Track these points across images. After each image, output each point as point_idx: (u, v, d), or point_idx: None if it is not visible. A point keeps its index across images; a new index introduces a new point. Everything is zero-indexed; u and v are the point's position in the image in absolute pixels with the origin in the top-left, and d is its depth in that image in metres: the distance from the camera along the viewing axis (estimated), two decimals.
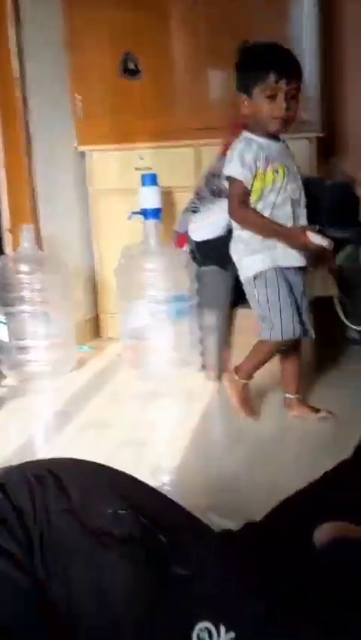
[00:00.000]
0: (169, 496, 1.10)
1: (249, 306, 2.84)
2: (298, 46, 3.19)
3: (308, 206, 2.60)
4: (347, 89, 3.61)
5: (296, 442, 2.25)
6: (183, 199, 3.13)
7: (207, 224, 2.75)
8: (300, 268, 2.29)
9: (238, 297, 2.83)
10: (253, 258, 2.26)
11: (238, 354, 2.81)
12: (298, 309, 2.28)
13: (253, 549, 1.23)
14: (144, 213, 2.94)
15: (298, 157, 3.17)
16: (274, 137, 2.22)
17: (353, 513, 1.31)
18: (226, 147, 3.03)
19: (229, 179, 2.21)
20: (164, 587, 0.87)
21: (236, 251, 2.33)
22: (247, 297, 2.36)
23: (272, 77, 2.10)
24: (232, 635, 0.85)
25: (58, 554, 0.88)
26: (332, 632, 0.95)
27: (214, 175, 3.00)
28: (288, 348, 2.37)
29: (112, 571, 0.86)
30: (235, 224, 2.30)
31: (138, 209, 2.96)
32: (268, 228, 2.21)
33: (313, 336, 2.35)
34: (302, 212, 2.27)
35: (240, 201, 2.20)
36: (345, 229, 2.66)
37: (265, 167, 2.17)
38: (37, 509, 0.93)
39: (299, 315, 2.28)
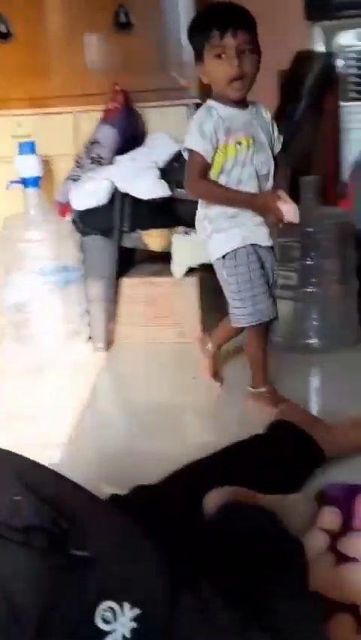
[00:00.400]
0: (61, 471, 1.10)
1: (134, 275, 2.86)
2: (175, 13, 3.19)
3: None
4: None
5: (192, 413, 2.28)
6: (62, 167, 3.08)
7: (89, 192, 2.72)
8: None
9: (122, 266, 2.84)
10: (221, 236, 2.06)
11: (124, 324, 2.82)
12: (269, 288, 2.11)
13: (148, 515, 1.25)
14: (24, 182, 2.87)
15: (177, 125, 3.19)
16: (240, 104, 1.98)
17: (249, 483, 1.36)
18: (107, 114, 3.01)
19: (188, 151, 2.00)
20: (65, 571, 0.87)
21: (203, 230, 2.12)
22: (218, 278, 2.17)
23: (215, 33, 1.87)
24: (137, 611, 0.86)
25: None
26: (230, 597, 0.98)
27: (94, 142, 2.97)
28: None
29: (12, 561, 0.85)
30: (200, 202, 2.10)
31: (17, 178, 2.89)
32: (230, 197, 2.00)
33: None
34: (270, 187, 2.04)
35: (197, 175, 1.99)
36: None
37: (226, 138, 1.95)
38: None
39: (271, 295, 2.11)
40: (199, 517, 1.33)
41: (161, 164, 2.71)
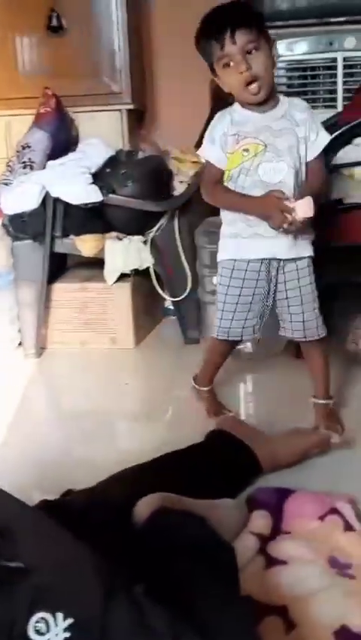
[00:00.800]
0: None
1: (67, 281, 2.85)
2: (108, 18, 3.19)
3: (120, 179, 2.63)
4: (158, 61, 3.65)
5: (125, 420, 2.27)
6: None
7: (20, 197, 2.69)
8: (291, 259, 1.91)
9: (54, 271, 2.82)
10: (221, 243, 1.98)
11: (55, 330, 2.80)
12: (261, 309, 1.96)
13: (80, 521, 1.24)
14: None
15: (109, 129, 3.20)
16: (264, 105, 1.84)
17: (184, 490, 1.36)
18: (39, 118, 2.98)
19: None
20: None
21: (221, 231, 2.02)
22: None
23: (215, 45, 1.77)
24: (70, 620, 0.86)
25: None
26: (164, 602, 0.98)
27: (25, 147, 2.93)
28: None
29: None
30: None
31: None
32: (234, 202, 1.89)
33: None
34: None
35: (208, 181, 1.92)
36: (158, 202, 2.71)
37: (233, 145, 1.85)
38: None
39: (260, 317, 1.97)
40: (132, 523, 1.33)
41: (94, 169, 2.70)
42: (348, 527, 1.44)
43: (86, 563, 0.99)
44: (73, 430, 2.15)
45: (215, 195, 1.94)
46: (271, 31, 1.81)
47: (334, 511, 1.49)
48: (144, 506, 1.31)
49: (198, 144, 3.01)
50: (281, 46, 3.14)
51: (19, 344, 2.81)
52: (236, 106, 1.88)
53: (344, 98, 2.98)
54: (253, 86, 1.77)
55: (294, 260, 1.90)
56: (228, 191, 1.89)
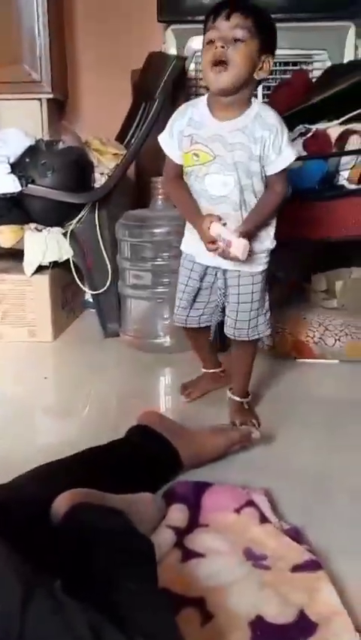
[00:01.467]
0: None
1: None
2: (28, 4, 3.14)
3: (39, 169, 2.59)
4: (80, 51, 3.61)
5: (43, 414, 2.25)
6: None
7: None
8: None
9: None
10: (184, 233, 2.00)
11: None
12: (213, 300, 2.00)
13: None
14: None
15: (29, 118, 3.14)
16: (228, 112, 1.76)
17: (103, 486, 1.36)
18: None
19: None
20: None
21: None
22: None
23: (210, 18, 1.69)
24: None
25: None
26: (83, 597, 0.98)
27: None
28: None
29: None
30: None
31: None
32: (181, 208, 1.91)
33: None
34: (227, 214, 1.81)
35: (167, 173, 1.90)
36: (79, 194, 2.69)
37: (187, 145, 1.80)
38: None
39: (215, 307, 2.00)
40: (50, 519, 1.32)
41: (12, 159, 2.65)
42: (264, 519, 1.47)
43: (4, 561, 0.98)
44: None
45: (169, 190, 1.95)
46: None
47: (250, 503, 1.52)
48: (63, 502, 1.30)
49: (120, 136, 3.02)
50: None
51: None
52: (202, 100, 1.81)
53: (264, 96, 3.02)
54: (219, 67, 1.66)
55: (238, 271, 1.91)
56: (179, 193, 1.88)
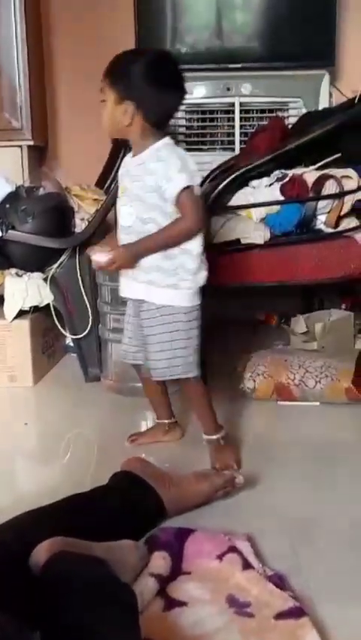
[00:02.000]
0: None
1: None
2: (9, 55, 3.19)
3: (19, 215, 2.61)
4: (60, 97, 3.67)
5: (23, 460, 2.23)
6: None
7: None
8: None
9: None
10: None
11: None
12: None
13: None
14: None
15: (10, 165, 3.17)
16: (136, 148, 1.95)
17: (86, 533, 1.34)
18: None
19: None
20: None
21: None
22: None
23: None
24: None
25: None
26: None
27: None
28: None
29: None
30: None
31: None
32: None
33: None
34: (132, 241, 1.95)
35: None
36: (59, 239, 2.70)
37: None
38: None
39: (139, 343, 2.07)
40: (29, 569, 1.30)
41: None
42: (247, 565, 1.46)
43: None
44: None
45: None
46: None
47: (233, 549, 1.50)
48: (42, 551, 1.28)
49: (100, 181, 3.05)
50: None
51: None
52: None
53: (241, 142, 3.08)
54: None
55: (155, 303, 1.95)
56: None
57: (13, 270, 2.74)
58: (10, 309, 2.70)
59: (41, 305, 2.75)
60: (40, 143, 3.47)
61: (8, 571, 1.30)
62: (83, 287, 2.75)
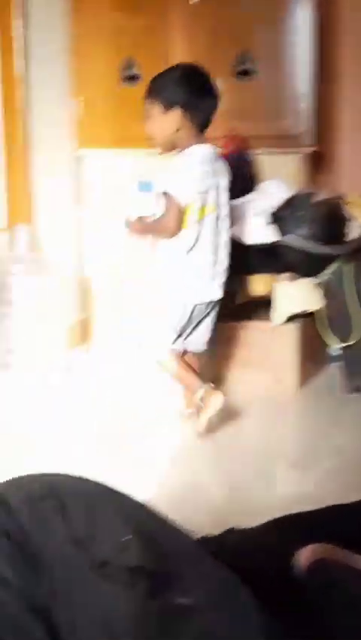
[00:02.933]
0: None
1: (233, 319, 2.88)
2: (299, 63, 3.23)
3: (296, 221, 2.64)
4: (341, 103, 3.64)
5: (281, 463, 2.26)
6: None
7: None
8: None
9: (222, 309, 2.86)
10: None
11: (221, 366, 2.84)
12: None
13: (239, 561, 1.24)
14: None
15: (288, 171, 3.22)
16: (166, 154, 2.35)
17: (345, 542, 1.33)
18: (223, 157, 3.07)
19: None
20: (166, 618, 0.87)
21: None
22: None
23: None
24: None
25: (63, 584, 0.88)
26: None
27: None
28: None
29: (116, 603, 0.87)
30: None
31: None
32: None
33: None
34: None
35: None
36: (333, 246, 2.69)
37: None
38: (44, 536, 0.92)
39: None
40: (290, 571, 1.31)
41: (271, 211, 2.73)
42: None
43: (249, 610, 0.98)
44: (233, 468, 2.16)
45: None
46: None
47: None
48: (306, 555, 1.29)
49: None
50: None
51: None
52: None
53: None
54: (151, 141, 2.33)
55: None
56: None
57: (286, 275, 2.78)
58: (280, 313, 2.75)
59: (309, 311, 2.76)
60: (319, 149, 3.48)
61: (270, 569, 1.32)
62: (351, 295, 2.71)
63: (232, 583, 1.01)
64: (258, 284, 2.76)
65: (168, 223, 2.23)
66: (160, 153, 2.33)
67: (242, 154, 3.09)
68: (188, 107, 2.20)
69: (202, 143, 2.25)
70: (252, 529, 1.46)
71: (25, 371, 2.88)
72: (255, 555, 1.34)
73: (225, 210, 2.36)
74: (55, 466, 1.15)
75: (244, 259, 2.74)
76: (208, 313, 2.41)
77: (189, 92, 2.20)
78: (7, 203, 3.08)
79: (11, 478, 1.09)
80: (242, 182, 3.06)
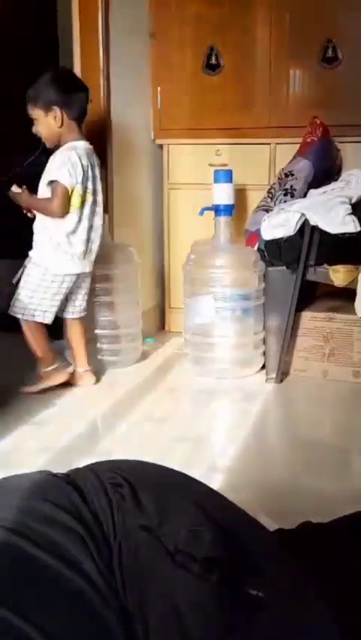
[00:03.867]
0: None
1: (315, 309, 2.83)
2: None
3: None
4: None
5: (357, 455, 2.20)
6: (255, 197, 3.12)
7: (279, 223, 2.73)
8: None
9: (303, 299, 2.81)
10: None
11: (299, 358, 2.79)
12: None
13: (313, 555, 1.21)
14: (216, 209, 2.93)
15: None
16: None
17: None
18: (304, 147, 3.02)
19: None
20: (238, 610, 0.86)
21: None
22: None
23: None
24: None
25: (134, 571, 0.87)
26: None
27: (288, 174, 2.98)
28: None
29: (188, 592, 0.86)
30: None
31: (211, 205, 2.96)
32: None
33: None
34: None
35: None
36: None
37: None
38: (115, 523, 0.92)
39: None
40: None
41: (354, 200, 2.66)
42: None
43: (322, 609, 0.94)
44: (304, 459, 2.12)
45: None
46: None
47: None
48: None
49: None
50: None
51: (262, 368, 2.84)
52: None
53: None
54: None
55: None
56: None
57: None
58: None
59: None
60: None
61: (345, 564, 1.28)
62: None
63: (307, 582, 0.97)
64: (339, 274, 2.69)
65: (55, 206, 2.51)
66: (49, 147, 2.61)
67: (326, 142, 3.03)
68: (63, 104, 2.51)
69: (80, 139, 2.57)
70: (328, 524, 1.42)
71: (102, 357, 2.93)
72: (330, 552, 1.31)
73: (99, 197, 2.65)
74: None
75: (328, 249, 2.69)
76: (81, 285, 2.69)
77: (62, 90, 2.51)
78: None
79: (85, 465, 1.09)
80: (326, 170, 3.00)
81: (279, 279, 2.77)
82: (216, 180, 2.95)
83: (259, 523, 1.07)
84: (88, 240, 2.61)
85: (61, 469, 1.09)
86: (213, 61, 3.28)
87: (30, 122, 2.57)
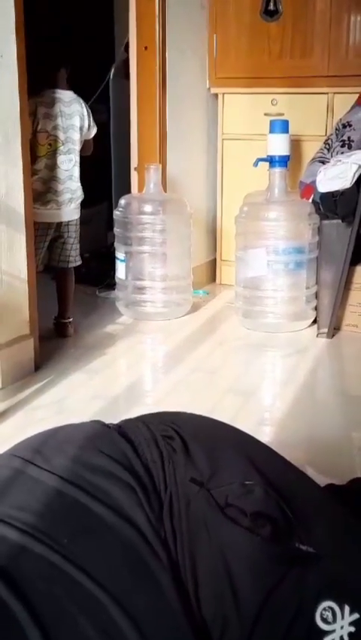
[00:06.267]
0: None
1: None
2: None
3: None
4: None
5: None
6: (311, 148, 3.05)
7: (336, 176, 2.67)
8: None
9: (358, 253, 2.76)
10: None
11: (351, 312, 2.76)
12: None
13: None
14: (271, 161, 2.88)
15: None
16: None
17: None
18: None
19: None
20: (288, 564, 0.86)
21: None
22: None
23: None
24: (357, 616, 0.83)
25: (184, 522, 0.88)
26: None
27: (346, 125, 2.90)
28: None
29: (238, 546, 0.86)
30: None
31: (265, 156, 2.91)
32: None
33: None
34: None
35: None
36: None
37: None
38: (166, 475, 0.93)
39: None
40: None
41: None
42: None
43: None
44: (354, 415, 2.11)
45: None
46: None
47: None
48: None
49: None
50: None
51: (313, 322, 2.82)
52: None
53: None
54: None
55: None
56: None
57: None
58: None
59: None
60: None
61: None
62: None
63: (358, 531, 0.97)
64: None
65: None
66: None
67: None
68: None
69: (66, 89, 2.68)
70: None
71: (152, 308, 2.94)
72: None
73: (79, 145, 2.72)
74: None
75: None
76: (69, 234, 2.74)
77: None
78: (138, 142, 3.08)
79: (136, 416, 1.10)
80: None
81: (333, 233, 2.73)
82: (271, 130, 2.89)
83: (309, 478, 1.08)
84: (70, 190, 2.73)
85: (112, 418, 1.11)
86: (272, 6, 3.19)
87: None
